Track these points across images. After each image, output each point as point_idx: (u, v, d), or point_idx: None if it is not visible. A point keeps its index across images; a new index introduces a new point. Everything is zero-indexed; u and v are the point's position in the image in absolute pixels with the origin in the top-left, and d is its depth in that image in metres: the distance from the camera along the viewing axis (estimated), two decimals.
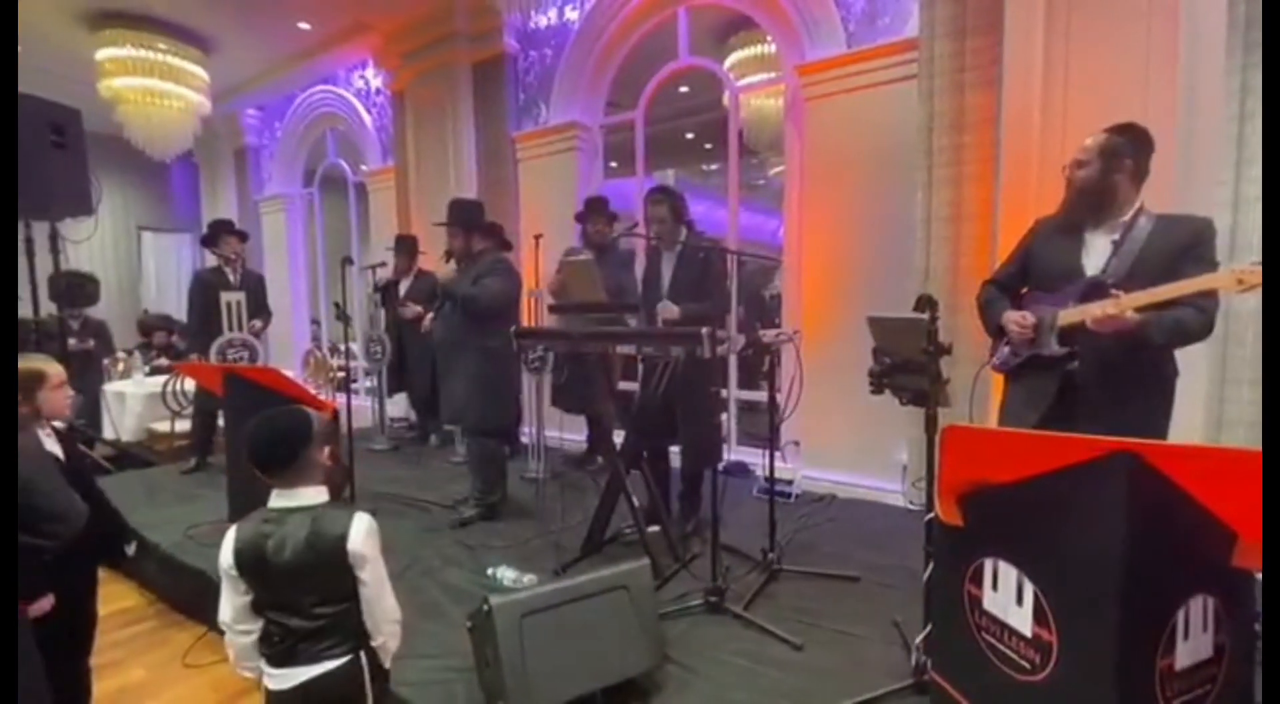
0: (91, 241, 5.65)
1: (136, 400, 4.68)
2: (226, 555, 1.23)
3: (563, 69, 4.62)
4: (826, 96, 3.48)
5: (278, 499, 1.28)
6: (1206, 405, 2.46)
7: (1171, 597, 1.09)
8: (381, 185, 5.89)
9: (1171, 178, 2.22)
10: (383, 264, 4.47)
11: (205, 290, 3.88)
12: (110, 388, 4.85)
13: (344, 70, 6.16)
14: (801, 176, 3.65)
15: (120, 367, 5.25)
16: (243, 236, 4.08)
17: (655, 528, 2.55)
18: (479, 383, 2.96)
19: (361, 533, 1.26)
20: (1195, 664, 1.10)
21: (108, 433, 4.76)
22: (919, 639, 1.73)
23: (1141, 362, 1.68)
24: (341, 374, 4.55)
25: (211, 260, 4.06)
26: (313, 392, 3.51)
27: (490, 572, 2.43)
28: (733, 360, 4.03)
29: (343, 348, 4.24)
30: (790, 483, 3.45)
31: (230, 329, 3.79)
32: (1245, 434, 2.37)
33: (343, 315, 3.84)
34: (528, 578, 2.34)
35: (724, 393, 3.97)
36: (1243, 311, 2.34)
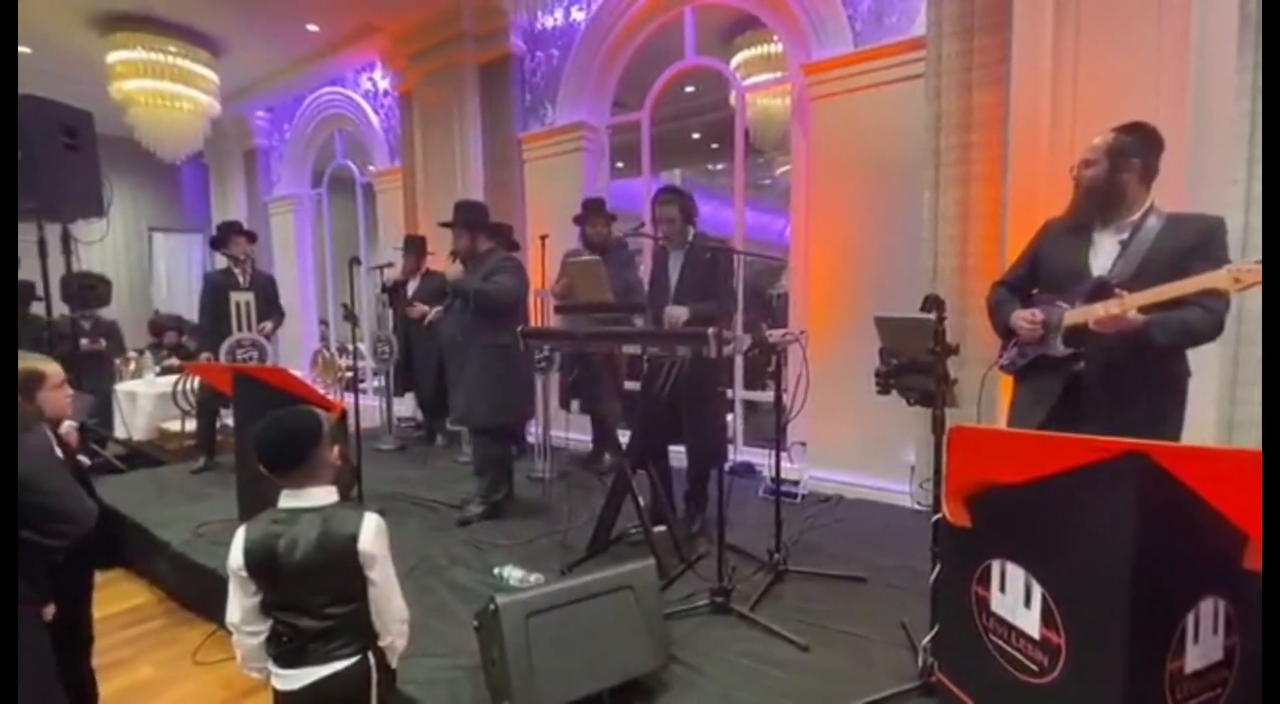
0: (103, 243, 5.70)
1: (147, 400, 4.74)
2: (236, 556, 1.23)
3: (569, 69, 4.63)
4: (833, 96, 3.47)
5: (288, 499, 1.28)
6: (1218, 406, 2.44)
7: (1182, 599, 1.08)
8: (389, 186, 5.93)
9: (1183, 177, 2.20)
10: (390, 264, 4.49)
11: (215, 291, 3.91)
12: (122, 388, 4.90)
13: (352, 72, 6.19)
14: (808, 176, 3.64)
15: (131, 367, 5.31)
16: (251, 237, 4.10)
17: (661, 528, 2.55)
18: (489, 380, 2.97)
19: (372, 533, 1.27)
20: (1206, 667, 1.10)
21: (119, 432, 4.82)
22: (926, 641, 1.72)
23: (1147, 362, 1.67)
24: (349, 374, 4.58)
25: (222, 261, 4.10)
26: (320, 391, 3.53)
27: (496, 571, 2.44)
28: (738, 360, 4.02)
29: (350, 348, 4.26)
30: (797, 483, 3.44)
31: (240, 329, 3.82)
32: (1257, 435, 2.34)
33: (351, 315, 3.86)
34: (534, 577, 2.35)
35: (730, 393, 3.98)
36: (1255, 312, 2.32)
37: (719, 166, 8.34)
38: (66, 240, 3.57)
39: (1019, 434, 1.59)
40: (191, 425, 4.40)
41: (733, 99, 4.44)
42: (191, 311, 5.24)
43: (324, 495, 1.30)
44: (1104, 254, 1.78)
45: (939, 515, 1.61)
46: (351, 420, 3.05)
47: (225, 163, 7.77)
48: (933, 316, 1.71)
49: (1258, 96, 2.32)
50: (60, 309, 3.99)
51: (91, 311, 4.68)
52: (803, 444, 3.63)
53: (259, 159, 7.41)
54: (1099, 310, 1.64)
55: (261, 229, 6.71)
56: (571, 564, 2.48)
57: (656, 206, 2.77)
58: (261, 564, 1.22)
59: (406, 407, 5.28)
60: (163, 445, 4.68)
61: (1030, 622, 1.23)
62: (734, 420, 4.12)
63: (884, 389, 2.00)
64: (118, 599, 2.73)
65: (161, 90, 5.36)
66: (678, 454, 2.91)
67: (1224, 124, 2.37)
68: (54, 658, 1.37)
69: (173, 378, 4.69)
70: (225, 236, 3.98)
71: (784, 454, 2.47)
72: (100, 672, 1.83)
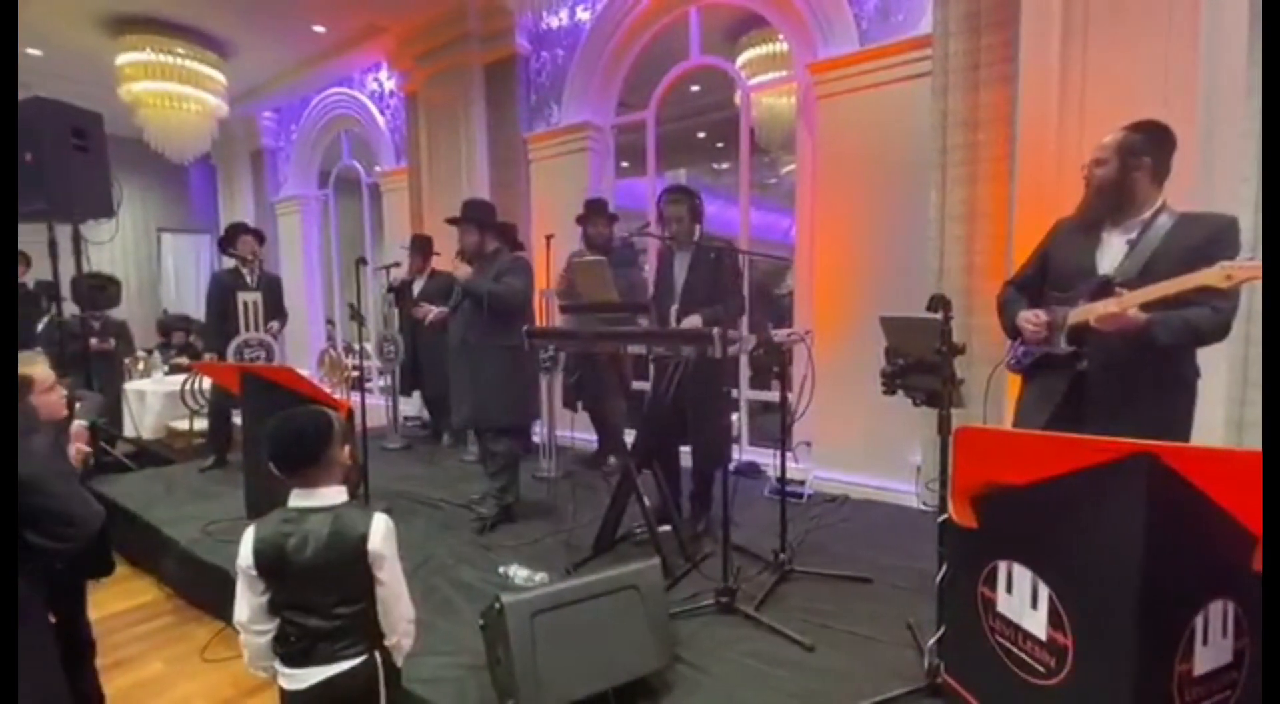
0: (112, 243, 5.75)
1: (156, 399, 4.78)
2: (245, 555, 1.24)
3: (574, 69, 4.63)
4: (839, 95, 3.46)
5: (298, 498, 1.29)
6: (1227, 407, 2.42)
7: (1191, 601, 1.07)
8: (395, 186, 5.94)
9: (1194, 175, 2.18)
10: (396, 264, 4.50)
11: (222, 291, 3.93)
12: (131, 387, 4.95)
13: (358, 73, 6.22)
14: (813, 175, 3.63)
15: (140, 366, 5.36)
16: (260, 237, 4.13)
17: (666, 527, 2.55)
18: (501, 381, 2.96)
19: (381, 533, 1.27)
20: (1215, 669, 1.09)
21: (128, 431, 4.86)
22: (932, 641, 1.72)
23: (1150, 362, 1.66)
24: (355, 373, 4.60)
25: (229, 261, 4.13)
26: (327, 391, 3.55)
27: (502, 570, 2.44)
28: (744, 360, 4.02)
29: (357, 347, 4.29)
30: (802, 483, 3.43)
31: (247, 329, 3.84)
32: None
33: (357, 315, 3.88)
34: (539, 576, 2.35)
35: (735, 393, 3.98)
36: None
37: (724, 166, 8.32)
38: (77, 241, 3.60)
39: (1025, 434, 1.58)
40: (200, 424, 4.44)
41: (738, 98, 4.44)
42: (199, 311, 5.27)
43: (334, 495, 1.31)
44: (1112, 253, 1.77)
45: (945, 516, 1.61)
46: (357, 419, 3.06)
47: (233, 163, 7.82)
48: (939, 316, 1.71)
49: None
50: (70, 309, 4.03)
51: (101, 312, 4.72)
52: (808, 444, 3.62)
53: (266, 160, 7.45)
54: (1100, 308, 1.63)
55: (268, 229, 6.74)
56: (576, 563, 2.48)
57: (664, 205, 2.74)
58: (271, 563, 1.23)
59: (412, 406, 5.30)
60: (171, 444, 4.72)
61: (1037, 623, 1.22)
62: (739, 420, 4.12)
63: (890, 389, 1.99)
64: (126, 596, 2.75)
65: (170, 92, 5.40)
66: (684, 454, 2.91)
67: (1235, 121, 2.34)
68: (60, 664, 1.37)
69: (181, 377, 4.73)
70: (234, 237, 4.00)
71: (789, 454, 2.47)
72: (109, 668, 1.83)
